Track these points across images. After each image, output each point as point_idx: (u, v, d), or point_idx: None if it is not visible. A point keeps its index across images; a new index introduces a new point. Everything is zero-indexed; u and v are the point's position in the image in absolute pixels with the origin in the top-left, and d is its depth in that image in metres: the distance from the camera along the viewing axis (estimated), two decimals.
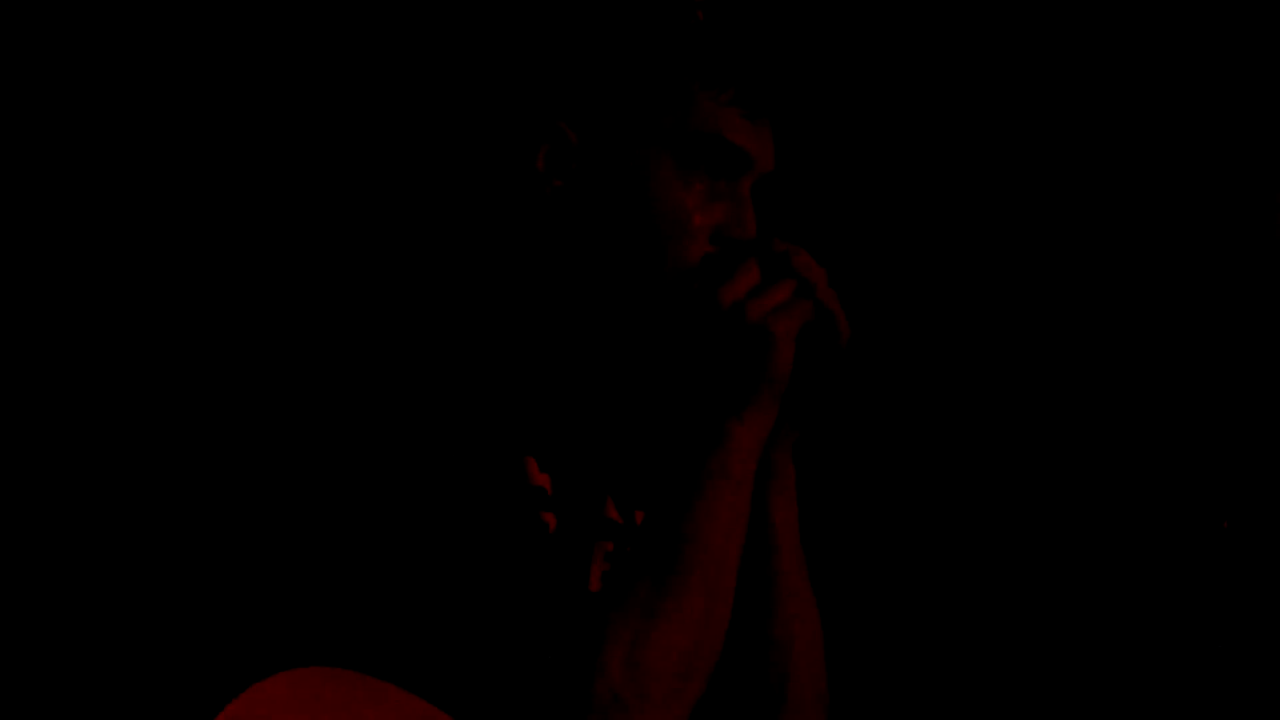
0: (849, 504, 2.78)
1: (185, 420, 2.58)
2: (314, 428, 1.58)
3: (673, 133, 1.72)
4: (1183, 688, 2.64)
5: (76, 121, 2.44)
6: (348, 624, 1.54)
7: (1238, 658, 2.63)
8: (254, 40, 2.61)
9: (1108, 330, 2.62)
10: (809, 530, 1.77)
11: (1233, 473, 2.70)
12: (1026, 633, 2.65)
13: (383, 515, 1.54)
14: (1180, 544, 2.66)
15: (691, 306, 1.68)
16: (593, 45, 1.74)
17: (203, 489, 1.66)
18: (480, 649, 1.50)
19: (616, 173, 1.72)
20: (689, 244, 1.72)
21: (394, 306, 1.72)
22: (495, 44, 1.81)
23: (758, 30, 1.72)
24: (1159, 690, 2.67)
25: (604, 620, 1.52)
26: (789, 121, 1.81)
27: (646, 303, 1.72)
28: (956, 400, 2.61)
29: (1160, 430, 2.65)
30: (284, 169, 2.77)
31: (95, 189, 2.49)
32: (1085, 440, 2.63)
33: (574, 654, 1.50)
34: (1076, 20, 2.62)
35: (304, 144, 2.76)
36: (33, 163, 2.40)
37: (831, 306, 1.72)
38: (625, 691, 1.50)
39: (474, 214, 1.83)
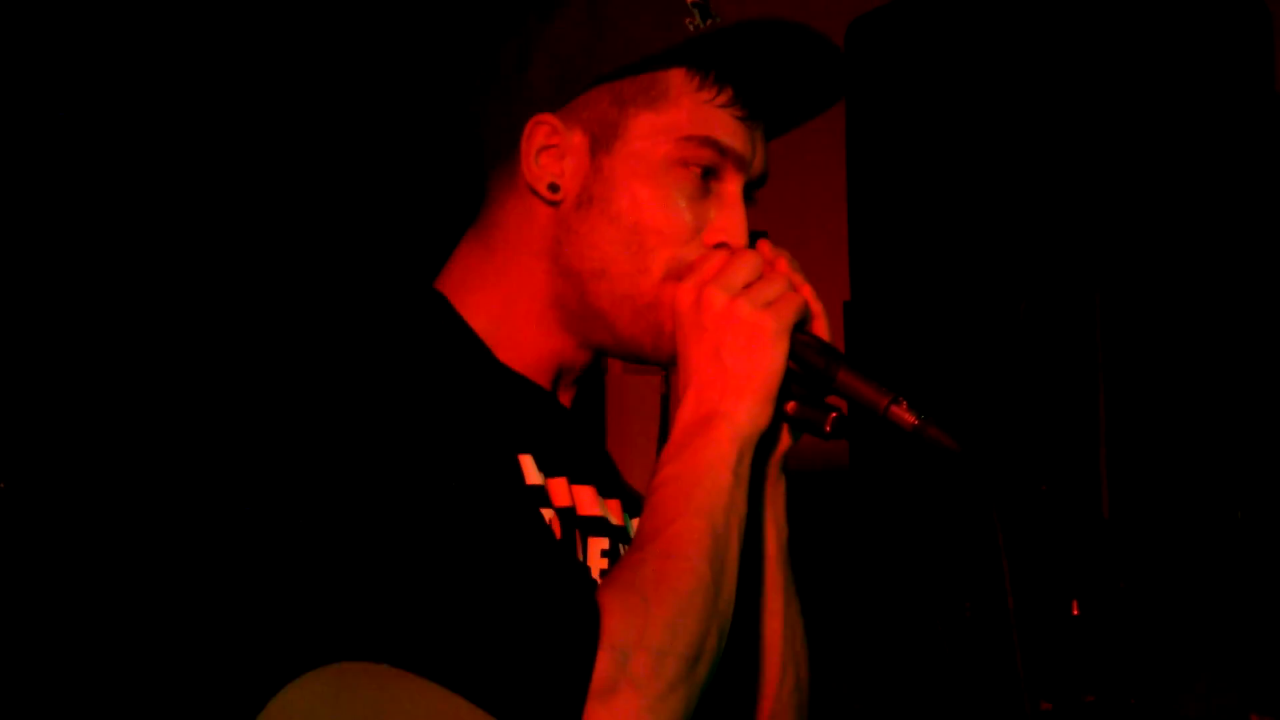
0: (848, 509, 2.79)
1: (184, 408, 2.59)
2: (316, 425, 1.57)
3: (667, 134, 1.71)
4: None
5: None
6: (358, 622, 1.52)
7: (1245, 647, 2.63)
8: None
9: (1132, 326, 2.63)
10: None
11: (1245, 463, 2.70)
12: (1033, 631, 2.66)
13: (386, 512, 1.53)
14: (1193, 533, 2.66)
15: (690, 302, 1.68)
16: (587, 44, 1.72)
17: (211, 493, 1.65)
18: (492, 639, 1.49)
19: (610, 172, 1.71)
20: (680, 246, 1.71)
21: (384, 303, 1.72)
22: (488, 38, 1.79)
23: (756, 32, 1.70)
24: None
25: (614, 603, 1.51)
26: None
27: (643, 298, 1.72)
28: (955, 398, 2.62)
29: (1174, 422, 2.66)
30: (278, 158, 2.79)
31: None
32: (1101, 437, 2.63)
33: (584, 636, 1.49)
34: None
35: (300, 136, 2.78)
36: None
37: (815, 308, 1.73)
38: (639, 672, 1.50)
39: (457, 209, 1.83)
